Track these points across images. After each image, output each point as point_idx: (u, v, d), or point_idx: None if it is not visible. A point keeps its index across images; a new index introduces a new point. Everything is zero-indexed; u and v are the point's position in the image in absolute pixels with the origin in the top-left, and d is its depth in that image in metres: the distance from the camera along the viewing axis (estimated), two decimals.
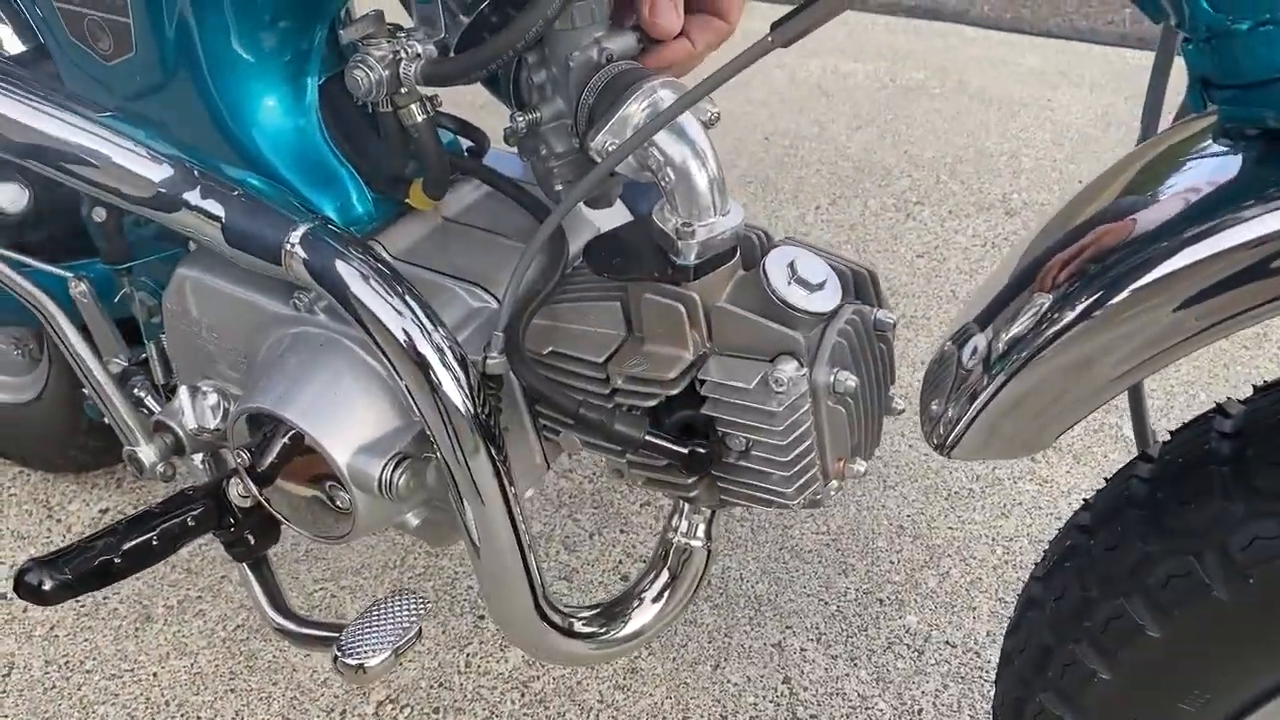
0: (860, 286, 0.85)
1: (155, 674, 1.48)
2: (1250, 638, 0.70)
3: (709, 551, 0.93)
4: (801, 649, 1.47)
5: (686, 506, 0.93)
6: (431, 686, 1.45)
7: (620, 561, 1.60)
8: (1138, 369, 0.67)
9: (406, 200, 0.90)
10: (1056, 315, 0.68)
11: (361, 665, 0.85)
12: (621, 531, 1.65)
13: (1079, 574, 0.76)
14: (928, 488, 1.69)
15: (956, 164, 2.51)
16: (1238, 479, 0.69)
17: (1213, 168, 0.66)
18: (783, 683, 1.43)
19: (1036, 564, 0.83)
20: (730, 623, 1.51)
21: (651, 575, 0.92)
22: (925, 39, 3.17)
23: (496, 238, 0.92)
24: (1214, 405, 0.76)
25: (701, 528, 0.92)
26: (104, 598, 1.57)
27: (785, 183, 2.50)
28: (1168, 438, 0.79)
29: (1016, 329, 0.70)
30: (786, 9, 0.70)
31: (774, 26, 0.70)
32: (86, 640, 1.52)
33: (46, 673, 1.48)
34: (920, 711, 1.38)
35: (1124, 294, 0.66)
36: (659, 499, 1.69)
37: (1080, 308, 0.68)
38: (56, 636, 1.52)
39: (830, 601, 1.53)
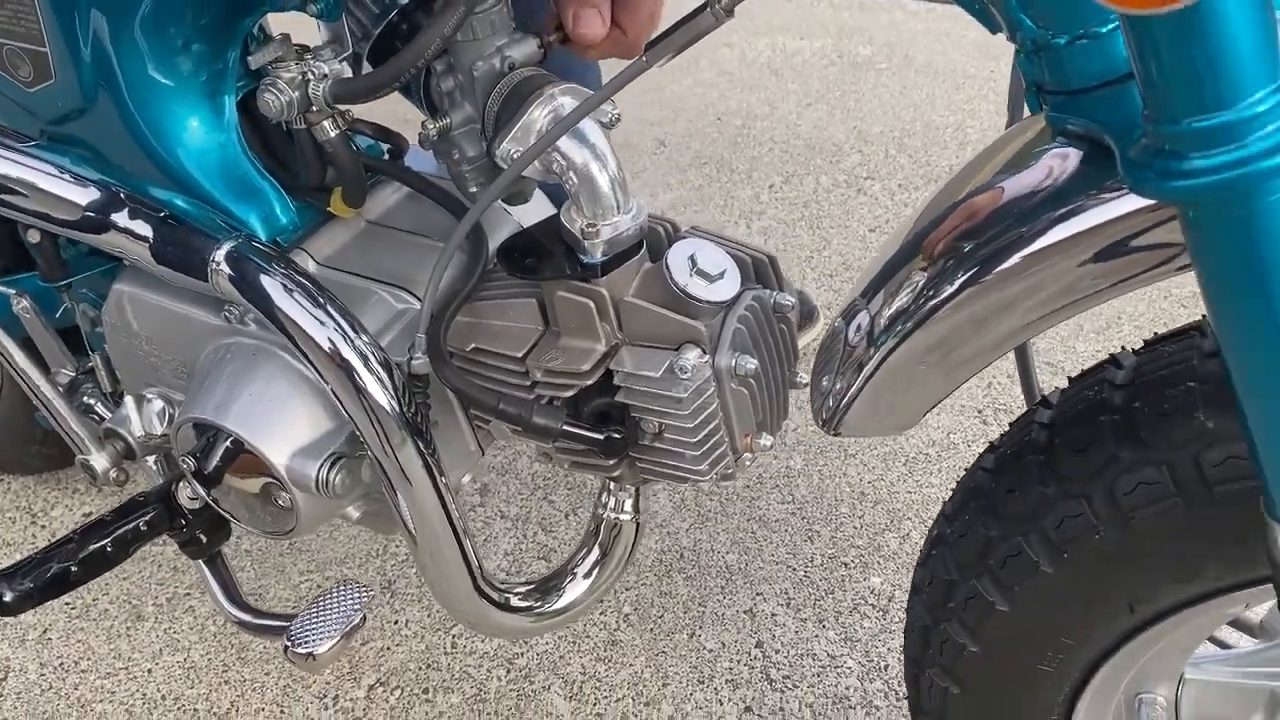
0: (760, 272, 0.86)
1: (149, 670, 1.50)
2: (1131, 572, 0.72)
3: (638, 525, 0.94)
4: (772, 614, 1.48)
5: (612, 485, 0.94)
6: (420, 668, 1.47)
7: None
8: (1003, 343, 0.68)
9: (328, 209, 0.91)
10: (932, 291, 0.69)
11: (311, 653, 0.86)
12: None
13: (982, 514, 0.77)
14: (886, 455, 1.70)
15: (904, 137, 2.51)
16: (1126, 428, 0.70)
17: (1054, 161, 0.67)
18: (755, 647, 1.44)
19: (945, 503, 0.84)
20: (704, 593, 1.52)
21: (584, 551, 0.93)
22: (871, 14, 3.15)
23: (418, 239, 0.93)
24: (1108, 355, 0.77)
25: (628, 503, 0.93)
26: (94, 599, 1.58)
27: (739, 163, 2.49)
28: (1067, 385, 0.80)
29: (897, 304, 0.71)
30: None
31: (648, 46, 0.71)
32: (80, 641, 1.53)
33: (42, 674, 1.49)
34: (886, 667, 1.40)
35: (990, 274, 0.67)
36: None
37: (953, 285, 0.68)
38: (49, 639, 1.54)
39: (798, 568, 1.54)
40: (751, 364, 0.80)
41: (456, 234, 0.81)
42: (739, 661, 1.42)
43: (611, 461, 0.86)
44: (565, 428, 0.82)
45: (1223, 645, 0.93)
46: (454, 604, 0.89)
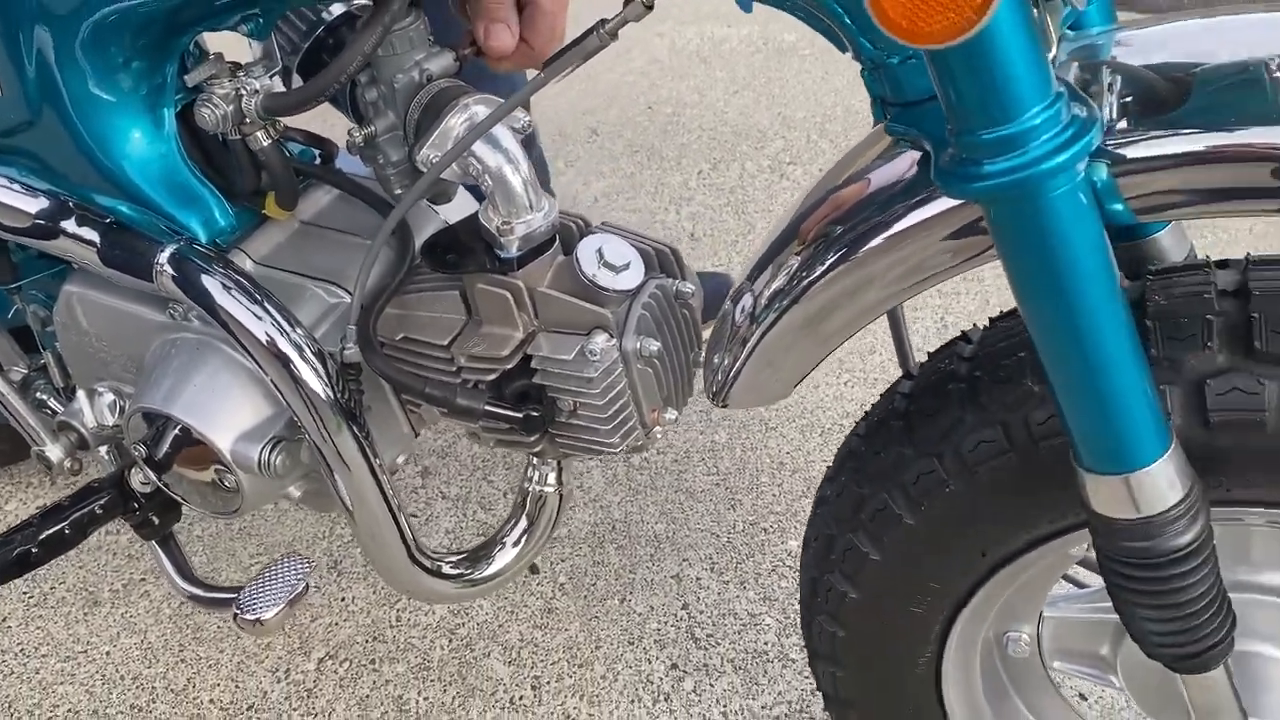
0: (664, 263, 0.94)
1: (108, 652, 1.55)
2: (979, 521, 0.82)
3: (561, 496, 1.02)
4: (697, 578, 1.57)
5: (536, 460, 1.02)
6: (367, 641, 1.54)
7: None
8: (867, 314, 0.77)
9: (264, 211, 0.97)
10: (806, 271, 0.78)
11: (259, 619, 0.93)
12: None
13: (855, 474, 0.86)
14: (804, 427, 1.80)
15: (825, 123, 2.60)
16: (970, 394, 0.79)
17: (910, 158, 0.77)
18: (681, 609, 1.53)
19: (829, 467, 0.93)
20: (634, 560, 1.61)
21: (511, 521, 1.01)
22: None
23: (349, 237, 1.00)
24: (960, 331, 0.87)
25: (551, 476, 1.01)
26: (50, 588, 1.64)
27: (669, 150, 2.57)
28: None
29: (776, 284, 0.79)
30: None
31: (545, 64, 0.78)
32: (38, 628, 1.59)
33: (3, 660, 1.54)
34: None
35: (857, 253, 0.76)
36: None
37: (825, 264, 0.77)
38: (9, 627, 1.59)
39: (721, 534, 1.63)
40: (654, 346, 0.88)
41: (381, 233, 0.88)
42: (666, 623, 1.52)
43: (533, 438, 0.94)
44: (487, 408, 0.90)
45: (1079, 585, 1.03)
46: (391, 573, 0.96)
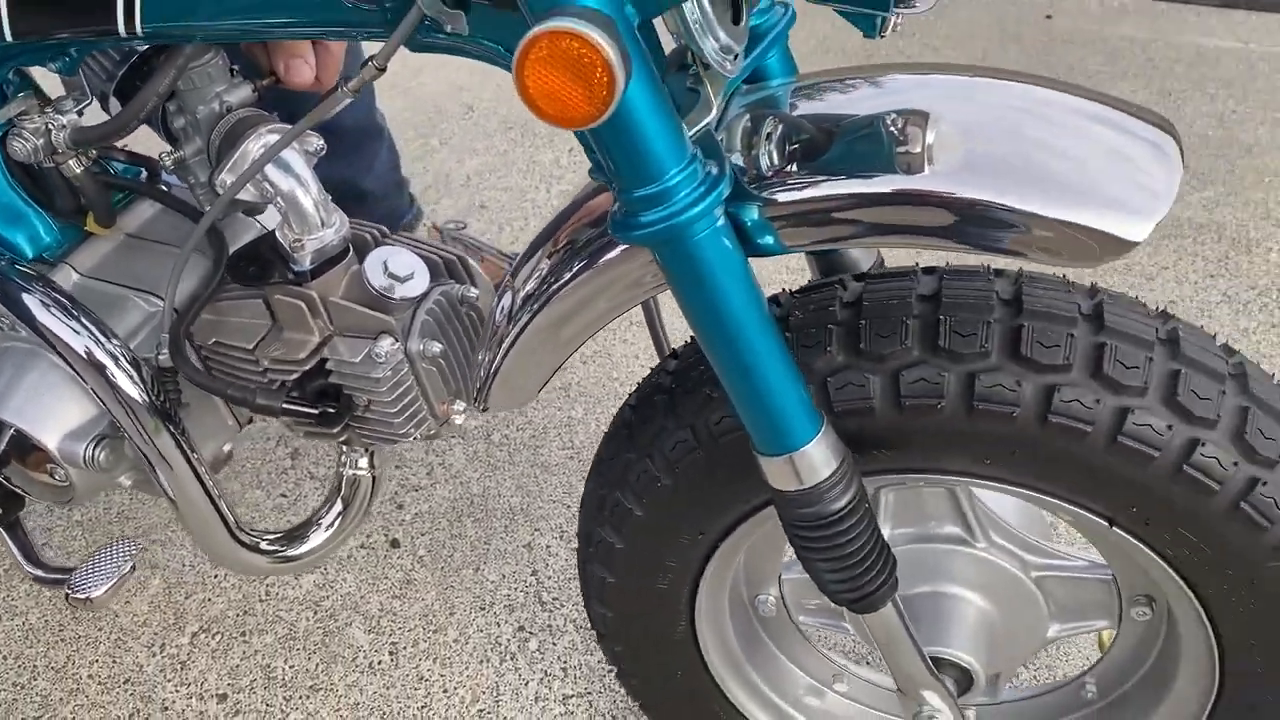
0: (452, 270, 1.04)
1: None
2: (690, 504, 0.94)
3: (374, 478, 1.13)
4: (547, 546, 1.68)
5: (345, 448, 1.12)
6: (238, 615, 1.63)
7: (395, 493, 1.79)
8: (598, 321, 0.88)
9: (85, 228, 1.05)
10: (554, 277, 0.87)
11: (89, 598, 1.03)
12: (397, 468, 1.83)
13: (625, 440, 0.97)
14: None
15: None
16: (670, 404, 0.91)
17: None
18: (531, 575, 1.65)
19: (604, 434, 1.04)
20: (489, 532, 1.71)
21: (327, 505, 1.11)
22: None
23: (171, 249, 1.08)
24: None
25: (363, 461, 1.12)
26: None
27: (541, 127, 2.65)
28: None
29: (529, 287, 0.89)
30: None
31: (344, 79, 0.87)
32: None
33: None
34: None
35: (595, 265, 0.86)
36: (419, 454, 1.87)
37: (570, 272, 0.86)
38: None
39: (572, 505, 1.74)
40: (437, 348, 0.99)
41: (183, 251, 0.97)
42: (516, 589, 1.63)
43: (335, 429, 1.04)
44: (286, 405, 1.00)
45: None
46: (213, 551, 1.06)
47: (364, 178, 1.71)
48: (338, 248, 0.99)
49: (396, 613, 1.62)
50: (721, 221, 0.72)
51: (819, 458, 0.80)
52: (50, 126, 0.96)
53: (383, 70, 0.75)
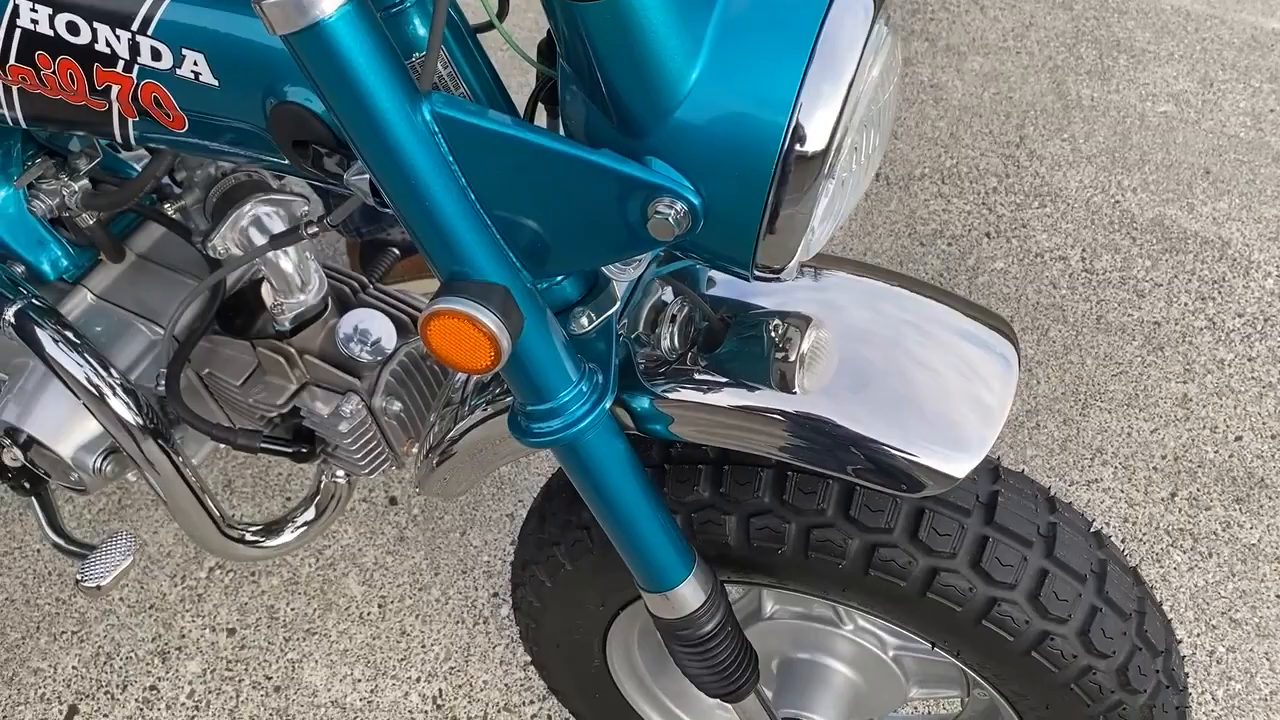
0: None
1: (38, 550, 1.80)
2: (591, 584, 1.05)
3: (350, 484, 1.24)
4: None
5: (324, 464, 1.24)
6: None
7: (373, 489, 1.90)
8: (514, 455, 0.98)
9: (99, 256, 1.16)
10: (485, 401, 0.96)
11: (99, 586, 1.17)
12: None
13: (542, 523, 1.09)
14: None
15: None
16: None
17: None
18: (510, 544, 1.77)
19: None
20: (478, 499, 1.84)
21: (302, 507, 1.23)
22: None
23: (176, 277, 1.17)
24: None
25: (340, 472, 1.23)
26: None
27: None
28: None
29: (472, 401, 0.98)
30: None
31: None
32: None
33: None
34: None
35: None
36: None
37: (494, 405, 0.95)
38: None
39: None
40: (396, 406, 1.09)
41: (189, 300, 1.05)
42: (495, 556, 1.76)
43: (308, 463, 1.15)
44: (263, 445, 1.11)
45: None
46: (204, 543, 1.20)
47: None
48: (316, 308, 1.08)
49: (388, 568, 1.76)
50: (605, 419, 0.81)
51: (690, 594, 0.92)
52: (64, 192, 1.05)
53: (335, 227, 0.83)
